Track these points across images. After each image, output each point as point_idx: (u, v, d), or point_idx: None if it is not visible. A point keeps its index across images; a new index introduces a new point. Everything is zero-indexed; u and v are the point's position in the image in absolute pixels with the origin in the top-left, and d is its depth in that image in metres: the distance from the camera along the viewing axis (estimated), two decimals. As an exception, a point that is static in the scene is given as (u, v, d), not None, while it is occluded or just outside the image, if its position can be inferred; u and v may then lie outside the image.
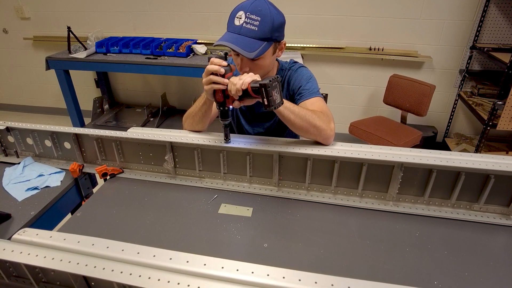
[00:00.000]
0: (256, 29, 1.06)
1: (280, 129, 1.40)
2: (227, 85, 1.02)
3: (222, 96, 1.06)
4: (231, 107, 1.08)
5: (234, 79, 1.00)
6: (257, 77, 1.01)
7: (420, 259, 0.91)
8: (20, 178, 1.24)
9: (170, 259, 0.71)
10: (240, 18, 1.07)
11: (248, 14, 1.06)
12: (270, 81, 0.93)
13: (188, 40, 3.16)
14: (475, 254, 0.93)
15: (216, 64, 1.02)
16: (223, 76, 1.02)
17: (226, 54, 1.06)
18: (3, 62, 3.91)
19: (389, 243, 0.96)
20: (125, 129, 1.26)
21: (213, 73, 1.03)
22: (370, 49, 2.96)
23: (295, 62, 1.36)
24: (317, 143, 1.15)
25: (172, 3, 3.16)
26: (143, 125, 3.35)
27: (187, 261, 0.71)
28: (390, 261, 0.90)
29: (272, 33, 1.09)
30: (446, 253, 0.93)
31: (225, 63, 1.03)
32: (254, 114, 1.42)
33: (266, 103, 0.96)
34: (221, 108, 1.09)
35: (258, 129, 1.43)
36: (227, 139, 1.15)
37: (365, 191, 1.13)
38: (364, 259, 0.91)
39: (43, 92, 4.01)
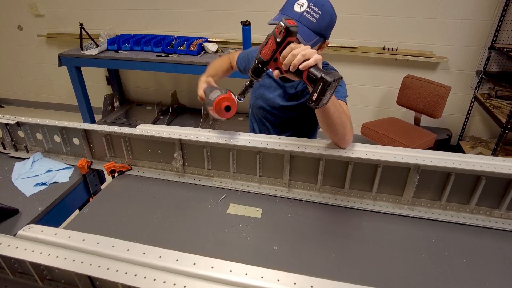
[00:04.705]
0: (315, 21, 1.05)
1: (289, 122, 1.38)
2: (280, 47, 0.89)
3: (270, 55, 0.90)
4: (270, 70, 0.94)
5: (296, 50, 0.85)
6: (320, 62, 0.86)
7: (437, 267, 0.87)
8: (29, 173, 1.23)
9: (177, 260, 0.69)
10: (302, 6, 1.05)
11: (311, 5, 1.04)
12: (334, 80, 0.79)
13: (199, 38, 3.15)
14: (496, 263, 0.88)
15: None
16: (285, 37, 0.87)
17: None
18: (17, 59, 3.96)
19: (403, 249, 0.92)
20: (135, 126, 1.25)
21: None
22: (384, 49, 2.90)
23: (328, 64, 1.36)
24: (330, 144, 1.11)
25: (184, 1, 3.15)
26: (153, 123, 3.34)
27: (194, 263, 0.68)
28: (404, 267, 0.87)
29: (326, 30, 1.10)
30: (464, 261, 0.88)
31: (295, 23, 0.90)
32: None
33: (313, 98, 0.82)
34: (259, 65, 0.93)
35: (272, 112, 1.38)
36: (242, 96, 1.03)
37: (379, 194, 1.09)
38: (377, 265, 0.88)
39: (55, 88, 4.06)
